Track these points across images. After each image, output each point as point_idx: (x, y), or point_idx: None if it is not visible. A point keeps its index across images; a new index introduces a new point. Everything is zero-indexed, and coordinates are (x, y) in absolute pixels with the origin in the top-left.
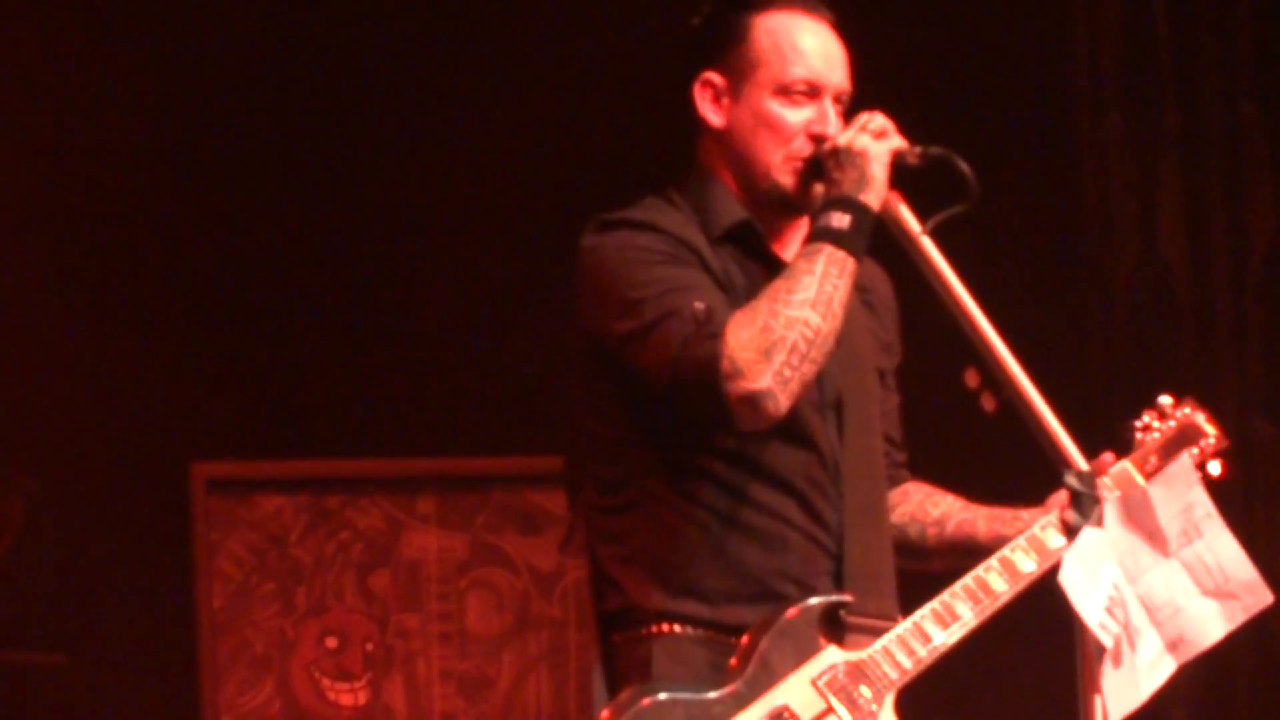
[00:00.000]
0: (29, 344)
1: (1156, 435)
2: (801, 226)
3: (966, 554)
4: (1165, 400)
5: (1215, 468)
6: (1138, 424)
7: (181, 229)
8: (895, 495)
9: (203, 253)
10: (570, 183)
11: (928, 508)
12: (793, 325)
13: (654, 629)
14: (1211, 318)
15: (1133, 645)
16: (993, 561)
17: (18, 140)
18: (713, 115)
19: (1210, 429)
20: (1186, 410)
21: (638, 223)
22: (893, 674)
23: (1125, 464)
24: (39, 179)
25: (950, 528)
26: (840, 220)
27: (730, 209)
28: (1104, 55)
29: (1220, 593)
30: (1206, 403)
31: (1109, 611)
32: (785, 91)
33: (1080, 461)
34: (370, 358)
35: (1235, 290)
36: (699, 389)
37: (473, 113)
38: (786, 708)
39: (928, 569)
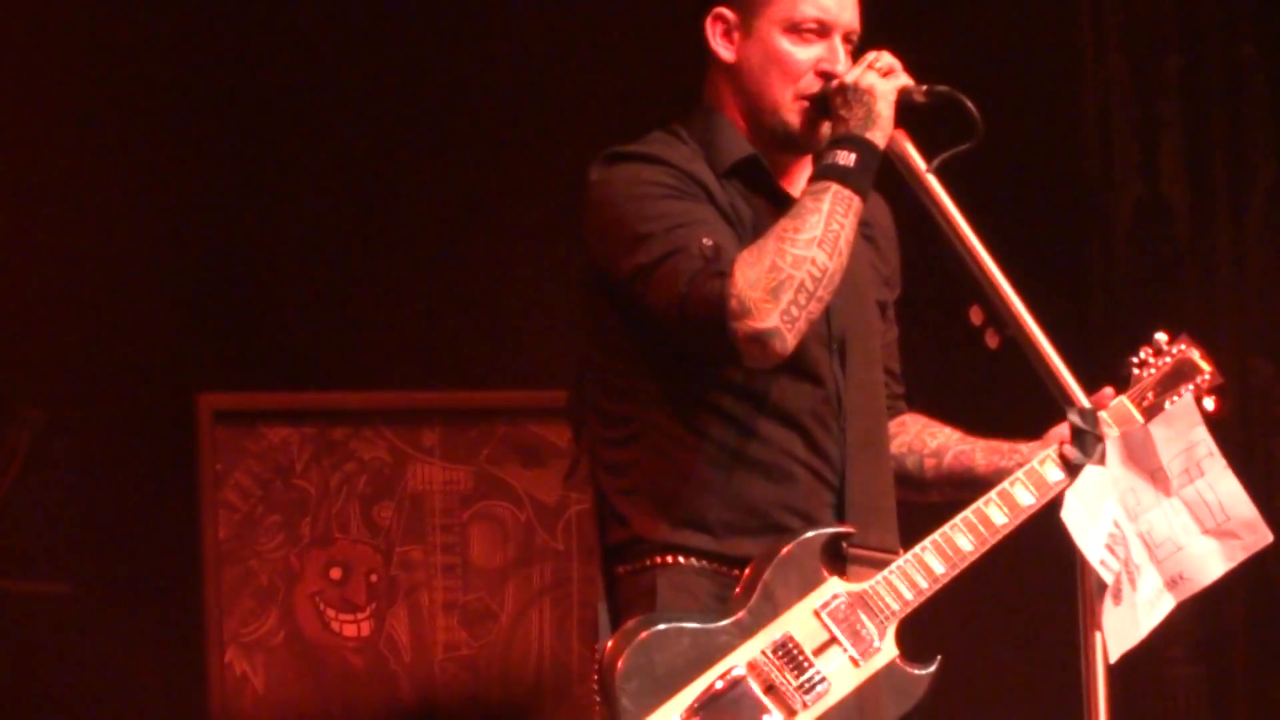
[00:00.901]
0: (34, 276)
1: (1153, 371)
2: (807, 162)
3: (964, 486)
4: (1161, 337)
5: (1209, 404)
6: (1134, 360)
7: (188, 160)
8: (893, 427)
9: (210, 184)
10: (576, 114)
11: (925, 439)
12: (800, 264)
13: (658, 560)
14: (1212, 258)
15: (1133, 582)
16: (992, 495)
17: (30, 81)
18: (723, 50)
19: (1205, 365)
20: (1182, 347)
21: (645, 156)
22: (894, 605)
23: (1123, 399)
24: (46, 116)
25: (948, 459)
26: (847, 158)
27: (737, 144)
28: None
29: (1220, 531)
30: (1205, 342)
31: (1110, 549)
32: (795, 29)
33: (1082, 398)
34: (377, 291)
35: (1235, 231)
36: (706, 327)
37: (479, 42)
38: (790, 637)
39: (926, 500)
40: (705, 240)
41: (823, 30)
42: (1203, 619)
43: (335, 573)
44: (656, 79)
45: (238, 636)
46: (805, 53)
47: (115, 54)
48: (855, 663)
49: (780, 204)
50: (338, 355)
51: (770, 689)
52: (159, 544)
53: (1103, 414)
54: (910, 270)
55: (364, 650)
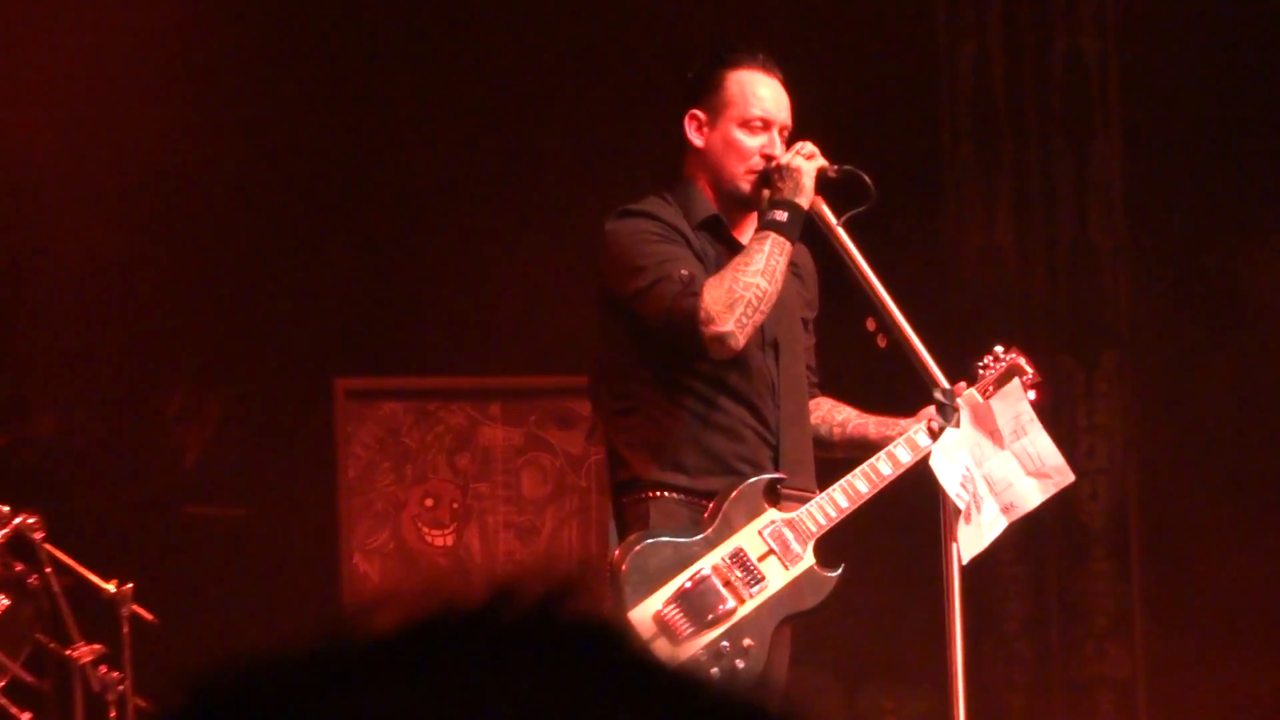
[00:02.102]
0: (224, 291)
1: (992, 371)
2: (753, 219)
3: (860, 447)
4: (999, 348)
5: (1031, 395)
6: (980, 364)
7: (329, 190)
8: (812, 405)
9: (345, 214)
10: (603, 181)
11: (834, 414)
12: (749, 288)
13: (650, 495)
14: (1030, 286)
15: (979, 509)
16: (881, 454)
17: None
18: (696, 139)
19: (1029, 368)
20: (1013, 355)
21: (643, 213)
22: (813, 528)
23: (972, 390)
24: (211, 136)
25: (850, 429)
26: (781, 216)
27: (705, 207)
28: (961, 101)
29: (1038, 473)
30: (1025, 346)
31: (963, 486)
32: (747, 125)
33: (945, 383)
34: (460, 302)
35: (1048, 267)
36: (684, 331)
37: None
38: (741, 549)
39: (833, 456)
40: (683, 271)
41: (766, 126)
42: (1026, 534)
43: (428, 502)
44: (655, 159)
45: (362, 546)
46: (753, 141)
47: (246, 63)
48: (786, 567)
49: (733, 248)
50: (431, 349)
51: (727, 584)
52: (308, 483)
53: (959, 398)
54: (825, 296)
55: (448, 555)
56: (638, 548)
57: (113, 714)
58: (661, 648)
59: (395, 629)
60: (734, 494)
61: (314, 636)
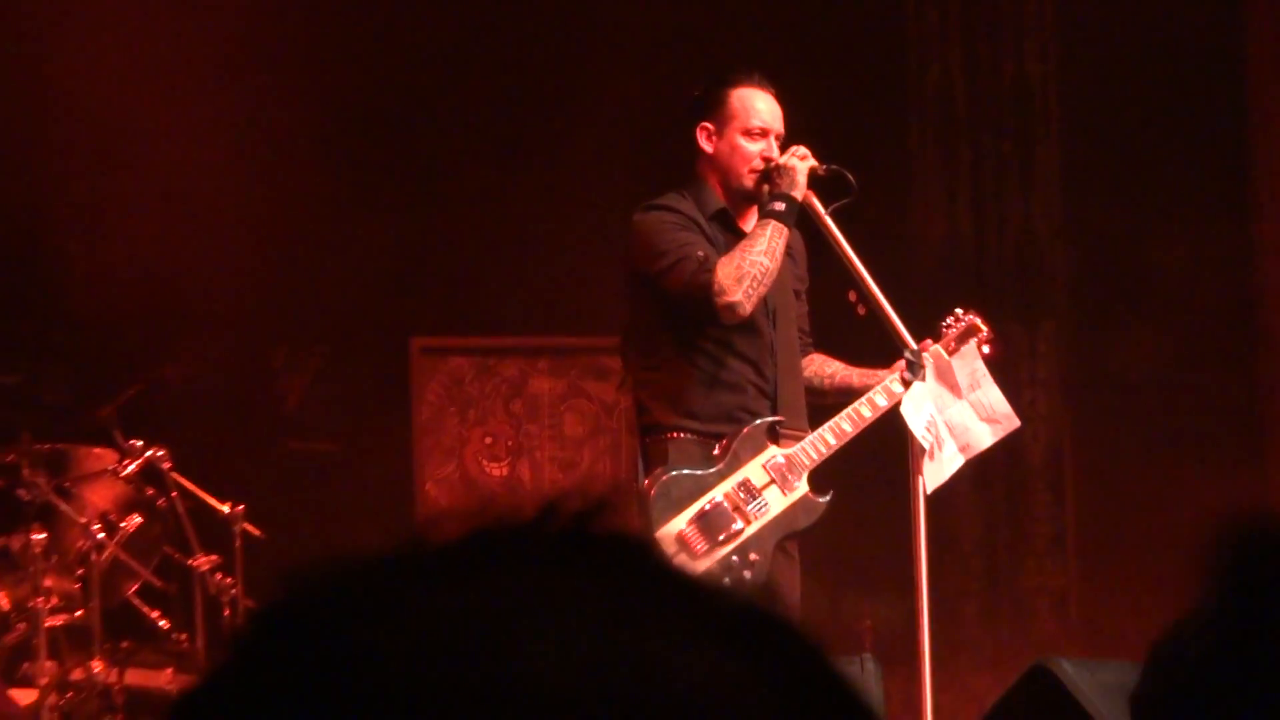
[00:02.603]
0: (321, 264)
1: (954, 330)
2: (755, 211)
3: (846, 395)
4: (959, 310)
5: (986, 349)
6: (944, 324)
7: (401, 177)
8: (805, 362)
9: (413, 196)
10: (632, 177)
11: (824, 368)
12: (754, 265)
13: (670, 436)
14: (984, 264)
15: (940, 448)
16: (863, 399)
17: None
18: (707, 146)
19: (984, 327)
20: (971, 315)
21: (665, 206)
22: (806, 461)
23: (937, 347)
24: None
25: (838, 380)
26: (779, 206)
27: (714, 201)
28: (927, 114)
29: (990, 419)
30: (983, 312)
31: (927, 429)
32: (749, 133)
33: (912, 344)
34: (515, 274)
35: (998, 249)
36: (701, 301)
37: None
38: (748, 479)
39: (824, 403)
40: (699, 253)
41: (764, 134)
42: (979, 469)
43: (487, 440)
44: (676, 161)
45: (432, 476)
46: (754, 147)
47: (323, 57)
48: (784, 494)
49: (739, 234)
50: (491, 313)
51: (736, 508)
52: (388, 424)
53: (925, 355)
54: (814, 272)
55: (503, 484)
56: (664, 478)
57: (226, 613)
58: (682, 561)
59: (457, 538)
60: (742, 434)
61: (389, 544)
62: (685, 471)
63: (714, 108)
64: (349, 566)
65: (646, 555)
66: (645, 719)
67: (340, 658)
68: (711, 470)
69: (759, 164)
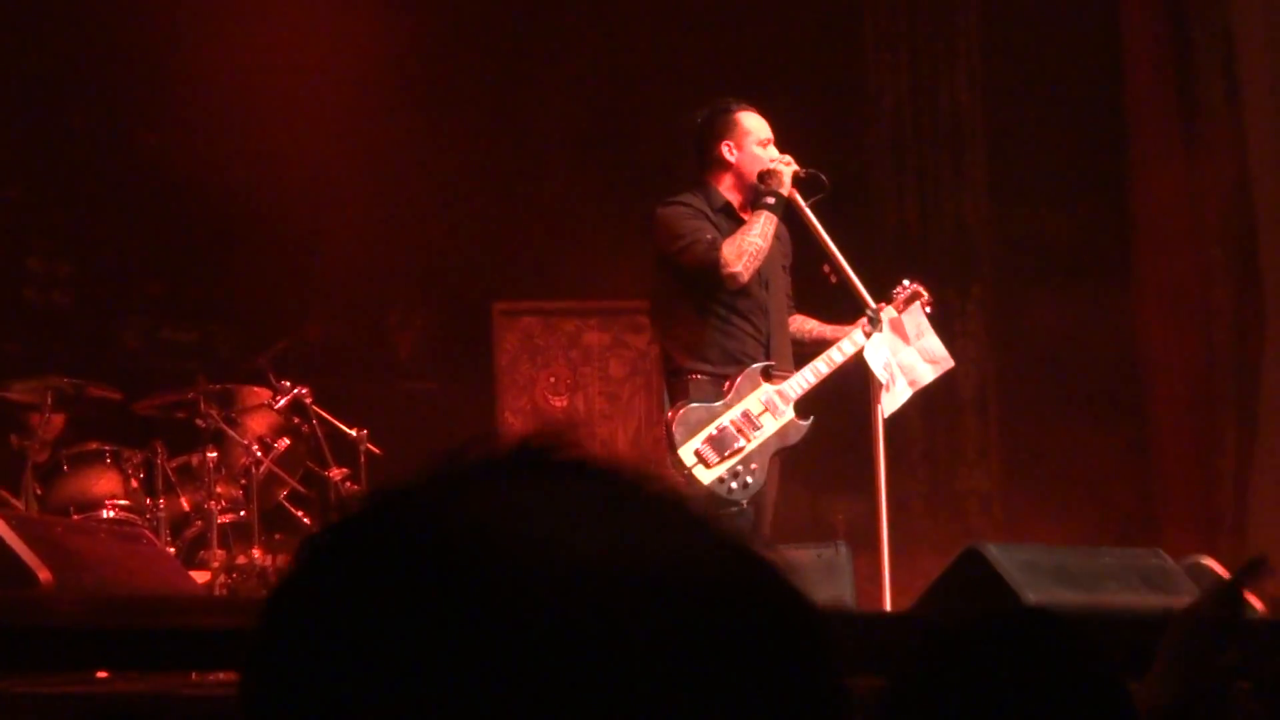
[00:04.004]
0: (425, 242)
1: (903, 294)
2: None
3: (820, 345)
4: (906, 281)
5: (928, 310)
6: (895, 290)
7: (477, 154)
8: (791, 320)
9: (487, 175)
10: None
11: (805, 325)
12: (751, 245)
13: (690, 377)
14: (926, 244)
15: (894, 383)
16: (835, 347)
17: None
18: (730, 158)
19: (925, 293)
20: (915, 284)
21: (680, 202)
22: (793, 394)
23: (890, 308)
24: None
25: (815, 334)
26: (769, 200)
27: (719, 198)
28: (884, 130)
29: (931, 361)
30: (921, 281)
31: (884, 368)
32: (761, 144)
33: (872, 304)
34: (574, 251)
35: (938, 234)
36: (710, 273)
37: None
38: (748, 409)
39: (804, 352)
40: (709, 236)
41: (770, 143)
42: (923, 399)
43: (551, 379)
44: (688, 170)
45: (510, 407)
46: (767, 154)
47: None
48: (776, 419)
49: (739, 223)
50: (553, 282)
51: (740, 430)
52: (476, 368)
53: (881, 313)
54: (798, 251)
55: (564, 413)
56: (683, 410)
57: None
58: (700, 470)
59: (506, 455)
60: (743, 374)
61: (442, 459)
62: (700, 404)
63: (729, 129)
64: (431, 471)
65: (604, 471)
66: (658, 584)
67: (421, 534)
68: (719, 403)
69: (770, 165)
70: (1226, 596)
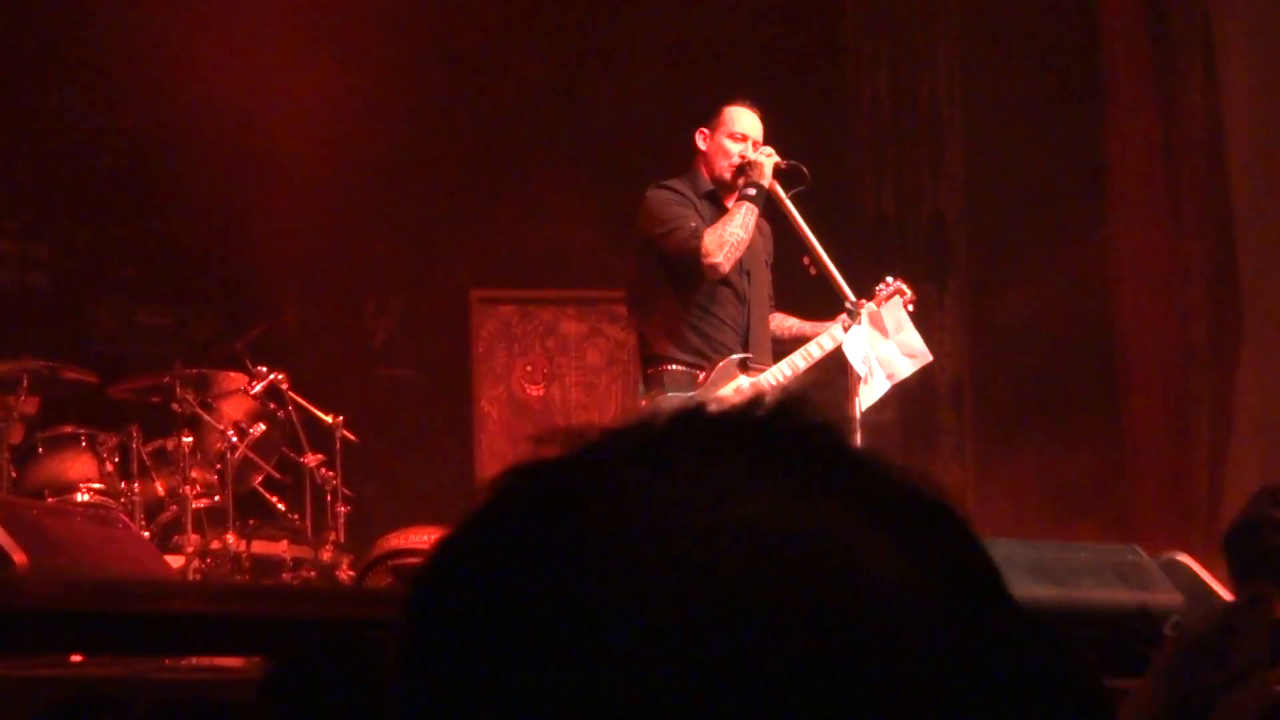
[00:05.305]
0: (403, 231)
1: (884, 292)
2: (735, 195)
3: (800, 340)
4: (889, 278)
5: (910, 308)
6: (877, 288)
7: (468, 137)
8: (771, 317)
9: (471, 164)
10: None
11: (784, 322)
12: (732, 235)
13: (664, 367)
14: (905, 239)
15: (872, 376)
16: (814, 341)
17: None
18: (701, 145)
19: (908, 290)
20: (898, 282)
21: (668, 187)
22: (768, 388)
23: (870, 303)
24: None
25: (794, 330)
26: (751, 191)
27: (705, 185)
28: (864, 126)
29: (910, 355)
30: (902, 276)
31: (863, 361)
32: (732, 137)
33: (852, 298)
34: (552, 241)
35: (915, 228)
36: (691, 261)
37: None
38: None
39: (783, 349)
40: (692, 223)
41: (743, 139)
42: (901, 392)
43: (528, 368)
44: (679, 155)
45: (486, 395)
46: (736, 148)
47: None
48: None
49: (722, 210)
50: (531, 271)
51: None
52: (452, 355)
53: (861, 307)
54: (778, 244)
55: (540, 402)
56: (658, 398)
57: (328, 498)
58: None
59: (669, 425)
60: (719, 366)
61: (601, 436)
62: (675, 394)
63: (711, 118)
64: (585, 446)
65: (835, 442)
66: (820, 604)
67: (570, 527)
68: (694, 393)
69: (737, 160)
70: (1218, 619)
